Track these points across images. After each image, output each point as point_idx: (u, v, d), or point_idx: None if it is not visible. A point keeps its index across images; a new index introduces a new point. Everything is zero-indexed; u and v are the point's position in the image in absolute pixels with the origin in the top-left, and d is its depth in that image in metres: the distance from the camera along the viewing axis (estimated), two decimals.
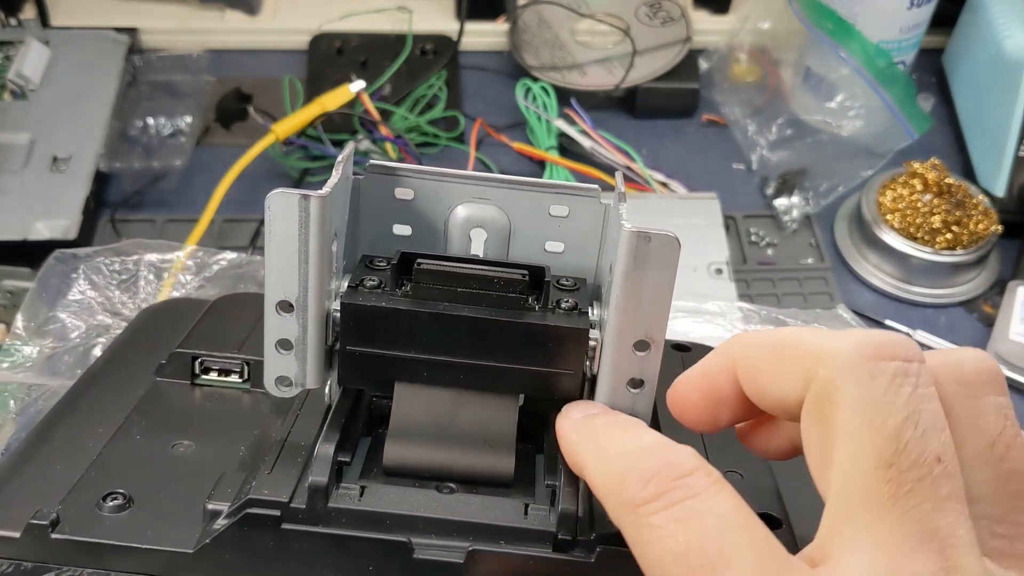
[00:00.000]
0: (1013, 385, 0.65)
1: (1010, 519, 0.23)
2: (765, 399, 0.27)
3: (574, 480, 0.33)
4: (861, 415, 0.22)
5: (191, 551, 0.32)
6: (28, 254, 0.62)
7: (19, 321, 0.55)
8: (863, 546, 0.21)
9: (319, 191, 0.31)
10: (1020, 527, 0.23)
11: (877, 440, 0.22)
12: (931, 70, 0.87)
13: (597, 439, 0.29)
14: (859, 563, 0.21)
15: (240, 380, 0.41)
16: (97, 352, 0.53)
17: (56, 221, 0.66)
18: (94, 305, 0.56)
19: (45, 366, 0.53)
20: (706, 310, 0.60)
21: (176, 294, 0.58)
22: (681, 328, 0.58)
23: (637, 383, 0.33)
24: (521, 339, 0.33)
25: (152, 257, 0.59)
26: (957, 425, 0.23)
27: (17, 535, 0.32)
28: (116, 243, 0.59)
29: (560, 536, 0.32)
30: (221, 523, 0.32)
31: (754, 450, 0.33)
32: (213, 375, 0.42)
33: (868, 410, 0.22)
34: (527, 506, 0.33)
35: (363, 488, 0.33)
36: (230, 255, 0.60)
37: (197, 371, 0.41)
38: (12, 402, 0.50)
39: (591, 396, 0.34)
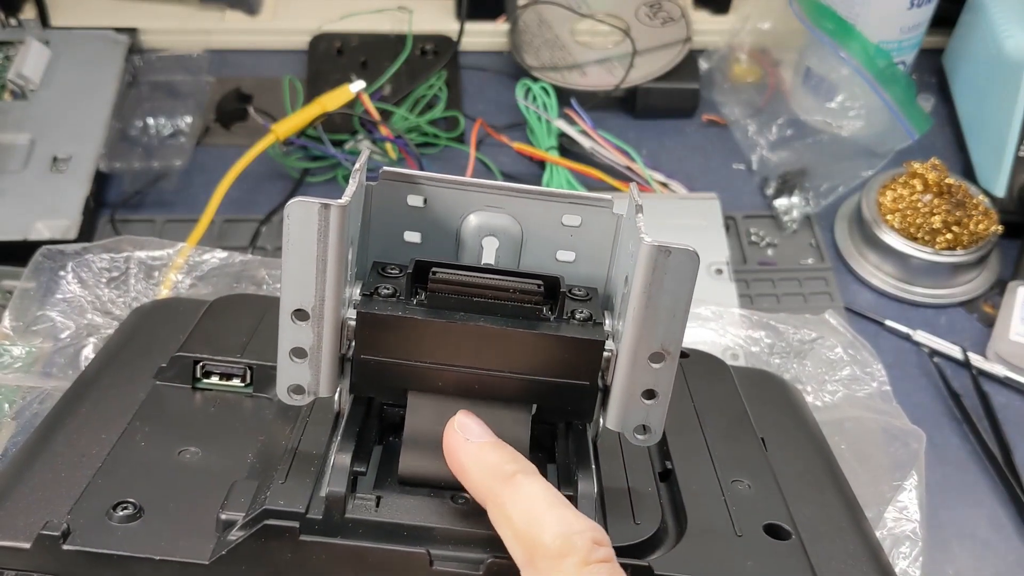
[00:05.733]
0: (1013, 385, 0.65)
1: None
2: None
3: (591, 492, 0.33)
4: None
5: (206, 562, 0.32)
6: (28, 254, 0.62)
7: (7, 320, 0.54)
8: None
9: (339, 200, 0.31)
10: None
11: None
12: (931, 70, 0.87)
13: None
14: None
15: (242, 384, 0.41)
16: (88, 352, 0.53)
17: (56, 221, 0.66)
18: (84, 304, 0.55)
19: (36, 367, 0.52)
20: (700, 315, 0.60)
21: (167, 293, 0.57)
22: None
23: (651, 394, 0.33)
24: (536, 350, 0.33)
25: (142, 255, 0.58)
26: None
27: (27, 546, 0.32)
28: (104, 240, 0.58)
29: None
30: (237, 534, 0.32)
31: None
32: (215, 379, 0.41)
33: None
34: None
35: (379, 498, 0.33)
36: (221, 254, 0.59)
37: (198, 375, 0.41)
38: (7, 405, 0.49)
39: (604, 406, 0.34)
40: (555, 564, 0.28)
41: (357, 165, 0.34)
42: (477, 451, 0.32)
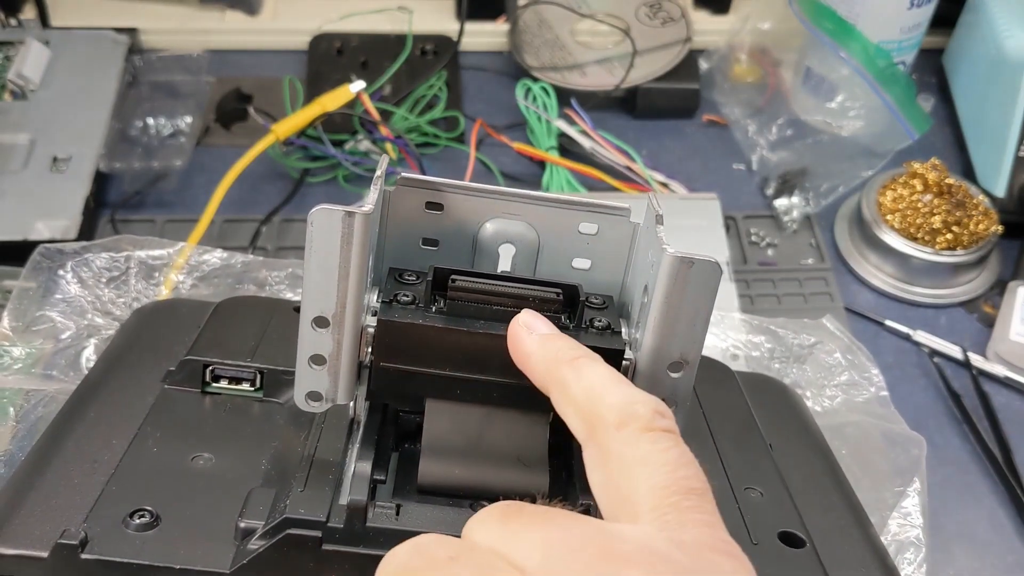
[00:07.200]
0: (1013, 385, 0.65)
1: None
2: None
3: None
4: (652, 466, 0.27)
5: (227, 572, 0.32)
6: (28, 254, 0.62)
7: (6, 321, 0.53)
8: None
9: (363, 208, 0.31)
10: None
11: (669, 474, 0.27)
12: (931, 70, 0.87)
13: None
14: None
15: (252, 389, 0.41)
16: (90, 353, 0.52)
17: (56, 221, 0.66)
18: (84, 304, 0.55)
19: (38, 368, 0.51)
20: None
21: (168, 293, 0.57)
22: None
23: (669, 403, 0.33)
24: None
25: (142, 254, 0.58)
26: None
27: (45, 555, 0.32)
28: (104, 239, 0.58)
29: None
30: (257, 543, 0.32)
31: None
32: (224, 383, 0.41)
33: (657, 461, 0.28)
34: None
35: (399, 507, 0.33)
36: (222, 254, 0.59)
37: (208, 379, 0.41)
38: (11, 409, 0.48)
39: None
40: (615, 434, 0.28)
41: (378, 172, 0.34)
42: (542, 339, 0.32)
